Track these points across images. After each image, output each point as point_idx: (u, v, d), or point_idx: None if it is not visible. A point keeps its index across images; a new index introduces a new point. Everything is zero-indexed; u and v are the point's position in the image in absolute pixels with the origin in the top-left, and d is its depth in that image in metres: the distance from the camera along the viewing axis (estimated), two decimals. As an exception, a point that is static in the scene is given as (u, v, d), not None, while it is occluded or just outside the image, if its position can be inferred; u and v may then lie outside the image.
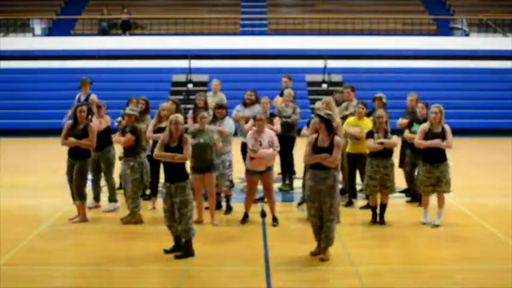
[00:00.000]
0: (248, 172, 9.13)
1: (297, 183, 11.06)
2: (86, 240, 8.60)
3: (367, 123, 9.83)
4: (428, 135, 8.96)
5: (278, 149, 9.14)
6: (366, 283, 6.82)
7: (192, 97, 12.76)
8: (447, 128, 9.00)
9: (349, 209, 9.99)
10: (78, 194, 9.20)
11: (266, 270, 7.22)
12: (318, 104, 10.00)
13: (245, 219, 9.25)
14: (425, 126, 9.08)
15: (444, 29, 26.77)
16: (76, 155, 9.18)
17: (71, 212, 9.57)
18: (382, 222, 9.17)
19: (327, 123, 7.53)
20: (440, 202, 9.16)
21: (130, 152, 9.10)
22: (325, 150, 7.45)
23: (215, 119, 9.67)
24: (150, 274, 7.14)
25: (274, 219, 9.14)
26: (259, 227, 9.09)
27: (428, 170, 9.01)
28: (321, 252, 7.59)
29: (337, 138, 7.58)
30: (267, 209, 9.40)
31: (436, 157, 8.98)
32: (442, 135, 8.94)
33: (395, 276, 7.10)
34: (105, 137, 9.80)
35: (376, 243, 8.41)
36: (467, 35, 26.58)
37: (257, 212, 9.51)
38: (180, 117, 7.79)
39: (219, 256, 7.74)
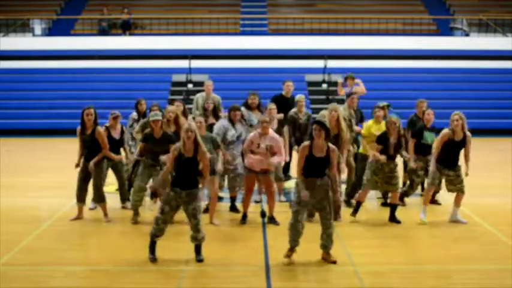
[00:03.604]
0: (245, 169, 9.15)
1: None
2: (85, 241, 8.61)
3: (383, 127, 9.71)
4: (450, 143, 9.01)
5: (282, 157, 9.03)
6: (366, 283, 6.82)
7: (192, 97, 12.74)
8: (469, 136, 9.03)
9: (349, 209, 9.98)
10: (98, 197, 9.24)
11: (266, 270, 7.22)
12: (323, 112, 9.81)
13: (244, 219, 9.26)
14: (445, 133, 9.06)
15: (444, 29, 26.78)
16: (91, 159, 9.18)
17: (71, 212, 9.58)
18: (392, 220, 9.21)
19: (327, 131, 7.42)
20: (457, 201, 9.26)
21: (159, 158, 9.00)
22: (323, 161, 7.36)
23: (231, 122, 9.53)
24: (150, 274, 7.13)
25: (271, 219, 9.13)
26: (259, 227, 9.09)
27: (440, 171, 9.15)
28: (291, 254, 7.47)
29: (332, 146, 7.47)
30: (267, 209, 9.41)
31: (454, 162, 9.12)
32: (463, 144, 8.97)
33: (396, 276, 7.10)
34: (119, 146, 9.82)
35: (376, 243, 8.41)
36: (467, 35, 26.59)
37: (257, 212, 9.51)
38: (193, 124, 7.56)
39: (219, 256, 7.73)
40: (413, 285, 6.82)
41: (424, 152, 9.83)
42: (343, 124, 9.20)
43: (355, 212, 9.37)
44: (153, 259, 7.46)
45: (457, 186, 9.19)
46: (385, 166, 9.20)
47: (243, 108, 10.18)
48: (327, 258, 7.49)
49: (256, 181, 9.24)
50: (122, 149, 9.94)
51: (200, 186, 7.49)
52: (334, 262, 7.42)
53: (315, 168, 7.41)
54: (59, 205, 10.24)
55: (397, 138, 9.24)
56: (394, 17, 26.59)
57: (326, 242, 7.48)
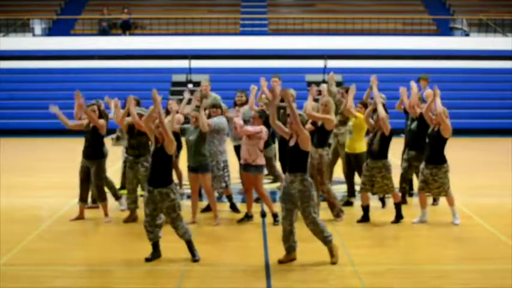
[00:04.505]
0: None
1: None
2: (86, 241, 8.61)
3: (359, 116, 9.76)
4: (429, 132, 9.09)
5: (244, 129, 8.83)
6: (366, 283, 6.82)
7: (191, 97, 12.72)
8: (443, 130, 8.80)
9: (349, 209, 9.97)
10: (99, 196, 9.25)
11: (266, 270, 7.22)
12: (317, 88, 9.63)
13: (243, 218, 9.25)
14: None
15: (444, 29, 26.79)
16: (90, 156, 9.19)
17: (71, 212, 9.59)
18: (396, 221, 9.14)
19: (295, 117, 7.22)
20: (449, 201, 9.20)
21: (145, 151, 9.06)
22: (290, 151, 7.26)
23: (209, 118, 9.65)
24: (150, 274, 7.13)
25: (274, 216, 9.05)
26: (259, 227, 9.09)
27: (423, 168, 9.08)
28: (287, 260, 7.39)
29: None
30: (267, 209, 9.41)
31: (430, 158, 8.97)
32: (440, 137, 8.88)
33: (395, 276, 7.09)
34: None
35: (376, 243, 8.41)
36: (467, 35, 26.60)
37: (257, 212, 9.50)
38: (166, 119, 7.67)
39: (218, 256, 7.74)
40: (413, 285, 6.81)
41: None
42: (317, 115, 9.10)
43: (362, 217, 9.18)
44: (147, 259, 7.44)
45: (433, 191, 9.04)
46: (369, 166, 9.04)
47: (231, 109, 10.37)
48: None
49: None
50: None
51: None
52: (334, 263, 7.38)
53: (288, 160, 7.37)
54: (59, 205, 10.24)
55: (379, 134, 8.97)
56: (394, 17, 26.59)
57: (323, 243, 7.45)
